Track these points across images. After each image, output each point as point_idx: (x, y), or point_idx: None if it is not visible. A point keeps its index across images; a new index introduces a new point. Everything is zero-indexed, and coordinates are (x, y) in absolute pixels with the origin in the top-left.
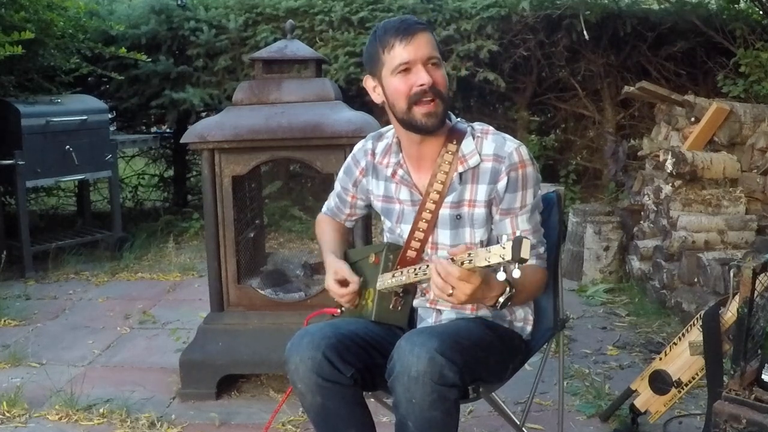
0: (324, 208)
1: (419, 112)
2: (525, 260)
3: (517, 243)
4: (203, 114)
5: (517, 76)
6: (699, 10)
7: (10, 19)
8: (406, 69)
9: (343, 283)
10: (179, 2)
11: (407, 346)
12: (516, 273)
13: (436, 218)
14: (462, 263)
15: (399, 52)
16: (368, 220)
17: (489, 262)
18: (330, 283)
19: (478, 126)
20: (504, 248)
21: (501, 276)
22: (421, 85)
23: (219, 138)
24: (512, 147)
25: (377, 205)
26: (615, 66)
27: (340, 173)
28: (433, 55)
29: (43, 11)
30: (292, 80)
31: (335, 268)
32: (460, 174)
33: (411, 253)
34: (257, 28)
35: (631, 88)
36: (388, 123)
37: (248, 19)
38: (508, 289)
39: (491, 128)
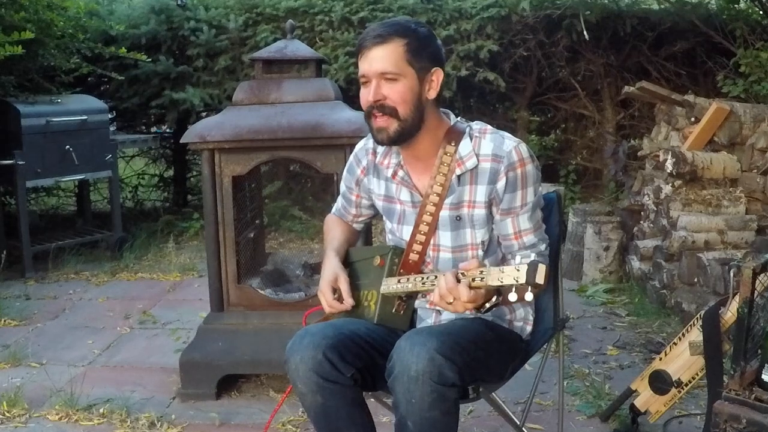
0: (333, 209)
1: (372, 125)
2: (539, 285)
3: (532, 267)
4: (203, 114)
5: (517, 76)
6: (699, 10)
7: (10, 19)
8: (365, 81)
9: (336, 292)
10: (179, 2)
11: (407, 345)
12: (529, 296)
13: (436, 220)
14: (473, 280)
15: (359, 64)
16: (370, 222)
17: (502, 282)
18: (325, 287)
19: (476, 125)
20: (518, 270)
21: (513, 297)
22: (368, 101)
23: (219, 138)
24: (511, 146)
25: (379, 204)
26: (615, 66)
27: (344, 173)
28: (386, 70)
29: (43, 11)
30: (292, 80)
31: (337, 274)
32: (458, 176)
33: (413, 256)
34: (257, 28)
35: (631, 88)
36: None
37: (248, 19)
38: (495, 297)
39: (489, 127)
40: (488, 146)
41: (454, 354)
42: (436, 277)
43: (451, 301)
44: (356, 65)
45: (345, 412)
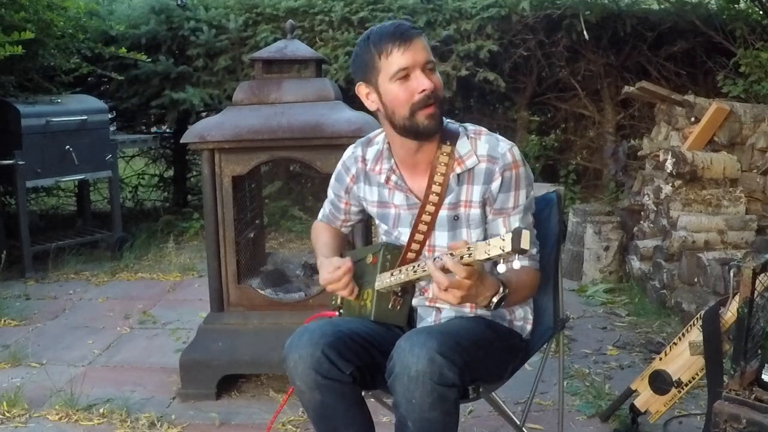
0: (320, 215)
1: (422, 115)
2: (525, 251)
3: (516, 234)
4: (203, 114)
5: (517, 76)
6: (699, 10)
7: (10, 19)
8: (404, 75)
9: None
10: (179, 2)
11: (407, 346)
12: (516, 264)
13: (435, 220)
14: (462, 257)
15: (397, 58)
16: (368, 221)
17: (489, 254)
18: (324, 276)
19: (470, 127)
20: (503, 240)
21: (501, 268)
22: (423, 90)
23: (219, 138)
24: (506, 147)
25: (372, 210)
26: (615, 66)
27: (332, 180)
28: (430, 59)
29: (43, 11)
30: (292, 80)
31: (323, 262)
32: (458, 175)
33: (411, 255)
34: (257, 28)
35: (631, 88)
36: None
37: (248, 19)
38: (501, 289)
39: (483, 129)
40: (484, 147)
41: (454, 354)
42: (426, 263)
43: (447, 285)
44: None
45: (343, 410)
